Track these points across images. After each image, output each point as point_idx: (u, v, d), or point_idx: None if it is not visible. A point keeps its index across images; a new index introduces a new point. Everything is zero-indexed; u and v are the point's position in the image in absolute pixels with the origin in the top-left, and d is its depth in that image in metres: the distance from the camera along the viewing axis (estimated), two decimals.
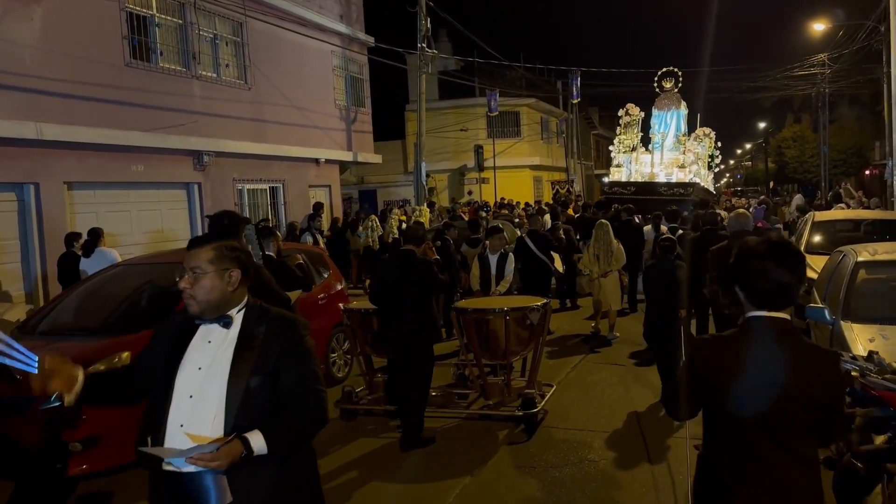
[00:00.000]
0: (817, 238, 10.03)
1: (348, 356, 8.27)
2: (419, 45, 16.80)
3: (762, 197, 26.15)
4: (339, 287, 8.53)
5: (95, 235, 9.01)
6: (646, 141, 21.34)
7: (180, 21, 12.87)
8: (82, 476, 5.15)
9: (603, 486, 5.09)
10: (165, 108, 12.26)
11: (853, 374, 3.95)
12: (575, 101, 30.51)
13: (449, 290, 8.58)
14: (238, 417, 2.33)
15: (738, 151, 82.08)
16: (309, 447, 2.59)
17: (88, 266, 8.57)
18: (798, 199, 24.04)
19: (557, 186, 35.75)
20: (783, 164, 43.10)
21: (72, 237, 9.29)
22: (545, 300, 6.80)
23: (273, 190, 15.28)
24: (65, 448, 4.97)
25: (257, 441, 2.29)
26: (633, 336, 9.63)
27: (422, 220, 14.76)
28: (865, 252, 6.23)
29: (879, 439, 4.16)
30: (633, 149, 21.03)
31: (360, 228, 15.62)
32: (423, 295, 5.83)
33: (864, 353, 5.20)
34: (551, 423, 6.35)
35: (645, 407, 6.74)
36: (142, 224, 11.99)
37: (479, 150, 30.47)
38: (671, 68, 21.84)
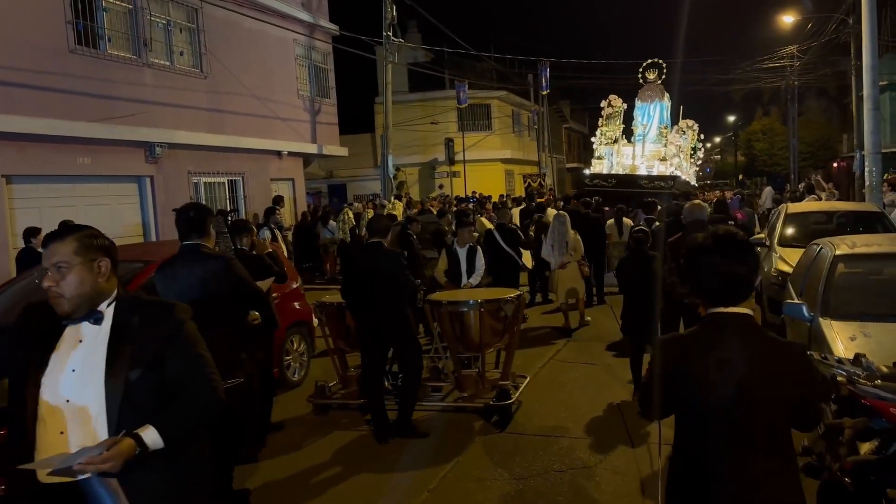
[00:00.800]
0: (790, 230, 9.78)
1: (304, 358, 7.81)
2: (385, 33, 16.28)
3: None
4: (295, 286, 8.03)
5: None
6: (628, 133, 21.07)
7: (130, 6, 12.22)
8: None
9: (579, 476, 5.08)
10: (114, 97, 11.63)
11: (839, 379, 3.61)
12: (544, 93, 30.17)
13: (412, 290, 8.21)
14: (122, 416, 2.20)
15: (709, 145, 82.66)
16: (202, 439, 2.46)
17: None
18: (768, 191, 24.05)
19: (529, 180, 35.49)
20: (753, 157, 43.39)
21: (30, 232, 8.94)
22: (519, 292, 6.80)
23: (232, 183, 14.69)
24: None
25: (150, 436, 2.15)
26: (604, 330, 9.53)
27: (394, 214, 14.45)
28: (844, 245, 5.92)
29: (865, 447, 3.83)
30: (615, 141, 20.74)
31: (332, 222, 15.21)
32: (395, 287, 5.72)
33: (845, 350, 4.94)
34: (527, 410, 6.25)
35: (618, 400, 6.52)
36: (90, 220, 11.24)
37: (449, 143, 30.05)
38: (656, 60, 21.59)
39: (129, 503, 2.21)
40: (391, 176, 16.78)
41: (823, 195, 14.22)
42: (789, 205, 10.89)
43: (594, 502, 4.71)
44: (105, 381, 2.23)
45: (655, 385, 2.39)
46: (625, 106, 20.56)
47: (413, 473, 5.23)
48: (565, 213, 10.03)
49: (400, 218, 14.13)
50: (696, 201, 6.99)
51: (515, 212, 16.74)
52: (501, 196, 24.87)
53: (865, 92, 12.86)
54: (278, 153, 15.78)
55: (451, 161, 29.78)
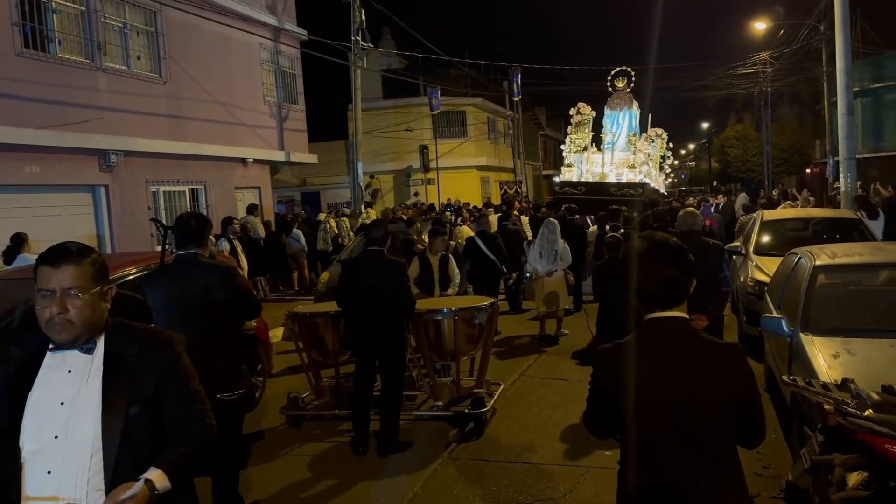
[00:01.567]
0: (766, 238, 9.52)
1: (257, 379, 7.34)
2: (353, 37, 15.87)
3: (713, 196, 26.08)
4: None
5: (18, 241, 8.36)
6: (597, 140, 21.03)
7: (83, 8, 11.68)
8: None
9: (551, 485, 5.05)
10: (65, 102, 11.09)
11: (826, 407, 3.26)
12: (516, 99, 29.95)
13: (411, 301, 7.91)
14: (120, 454, 2.06)
15: (682, 152, 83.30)
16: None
17: None
18: (742, 197, 23.98)
19: (506, 187, 35.26)
20: (727, 163, 43.54)
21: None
22: (492, 300, 6.78)
23: (194, 192, 14.16)
24: None
25: (161, 481, 2.04)
26: (577, 343, 9.18)
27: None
28: (824, 255, 5.61)
29: (853, 478, 3.49)
30: (585, 148, 20.68)
31: (296, 230, 14.79)
32: (394, 298, 5.59)
33: (828, 369, 4.61)
34: (492, 433, 6.06)
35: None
36: (39, 231, 10.69)
37: (424, 150, 29.67)
38: (624, 67, 21.59)
39: None
40: (361, 183, 16.31)
41: (799, 203, 14.07)
42: (765, 212, 10.64)
43: None
44: (102, 417, 2.06)
45: (593, 395, 2.36)
46: (594, 114, 20.46)
47: (389, 485, 5.15)
48: (555, 221, 9.83)
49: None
50: (690, 209, 6.58)
51: (493, 219, 16.56)
52: (486, 204, 24.55)
53: (839, 97, 12.70)
54: (243, 160, 15.27)
55: (425, 168, 29.39)
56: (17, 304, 5.43)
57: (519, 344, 9.58)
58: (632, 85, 21.50)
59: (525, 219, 14.74)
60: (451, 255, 8.58)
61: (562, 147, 22.16)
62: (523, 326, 10.57)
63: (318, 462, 5.66)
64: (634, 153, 19.88)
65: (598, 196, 17.25)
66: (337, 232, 15.07)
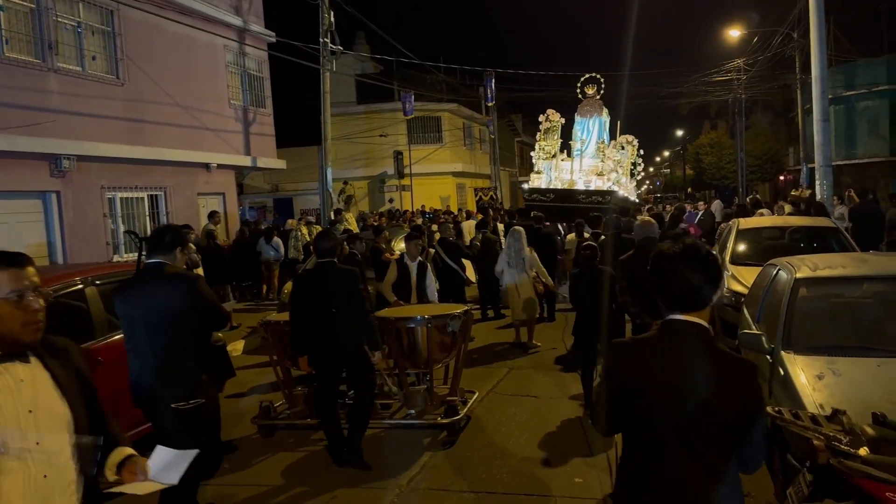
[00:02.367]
0: (743, 247, 9.25)
1: None
2: (321, 39, 15.41)
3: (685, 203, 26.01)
4: None
5: None
6: (567, 147, 20.85)
7: (33, 5, 11.11)
8: None
9: (532, 486, 5.08)
10: (12, 104, 10.50)
11: (816, 443, 2.90)
12: (490, 104, 29.68)
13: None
14: (104, 442, 2.29)
15: (658, 159, 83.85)
16: None
17: None
18: (717, 204, 23.89)
19: (481, 193, 34.94)
20: (701, 170, 43.64)
21: None
22: (466, 307, 6.80)
23: (153, 198, 13.58)
24: None
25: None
26: (549, 356, 8.98)
27: (350, 228, 13.62)
28: (805, 267, 5.29)
29: None
30: (554, 155, 20.48)
31: (276, 239, 14.29)
32: (352, 306, 5.48)
33: (813, 391, 4.27)
34: (457, 457, 5.79)
35: (559, 443, 5.68)
36: None
37: (398, 155, 29.24)
38: (594, 74, 21.46)
39: None
40: (330, 190, 15.83)
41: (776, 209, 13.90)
42: (741, 220, 10.37)
43: None
44: (71, 415, 2.19)
45: (604, 395, 2.37)
46: (563, 120, 20.28)
47: (364, 493, 5.11)
48: (521, 229, 9.80)
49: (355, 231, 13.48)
50: (647, 218, 6.58)
51: (470, 224, 16.29)
52: (466, 211, 24.23)
53: (815, 103, 12.53)
54: (206, 166, 14.73)
55: (400, 174, 28.95)
56: None
57: (494, 353, 9.44)
58: (601, 92, 21.43)
59: (500, 226, 14.46)
60: (429, 264, 8.54)
61: (531, 154, 21.94)
62: (498, 334, 10.44)
63: (291, 471, 5.61)
64: (603, 160, 19.73)
65: (566, 203, 17.22)
66: (308, 240, 14.57)
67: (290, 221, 17.09)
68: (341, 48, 15.93)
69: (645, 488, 2.25)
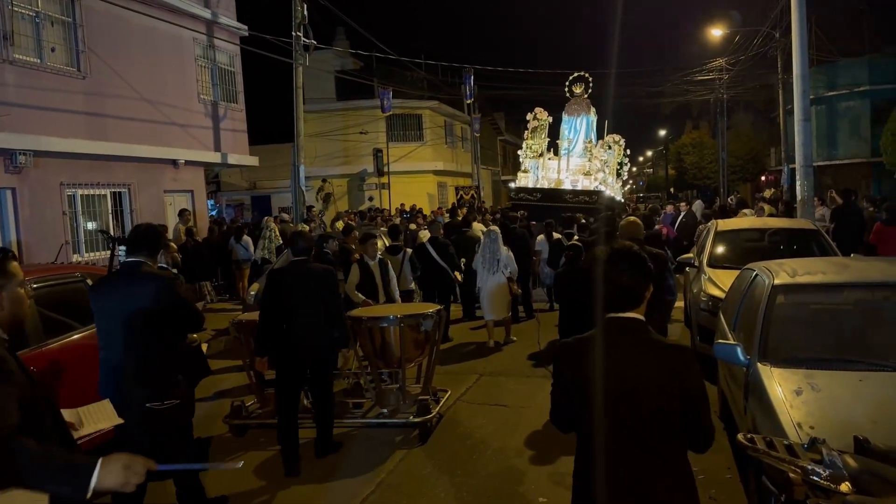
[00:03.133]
0: (721, 249, 8.97)
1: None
2: (294, 33, 14.98)
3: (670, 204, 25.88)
4: None
5: None
6: (554, 146, 20.67)
7: None
8: None
9: (506, 482, 5.13)
10: None
11: (792, 476, 2.58)
12: (469, 101, 29.38)
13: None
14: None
15: (641, 159, 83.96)
16: None
17: None
18: (698, 204, 23.78)
19: (462, 192, 34.63)
20: (683, 170, 43.63)
21: None
22: (439, 307, 6.74)
23: (117, 195, 13.10)
24: None
25: None
26: (519, 362, 8.78)
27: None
28: (783, 272, 4.99)
29: None
30: (541, 154, 20.30)
31: (246, 237, 13.84)
32: (326, 305, 5.47)
33: (791, 408, 3.97)
34: (430, 455, 5.77)
35: (525, 455, 5.35)
36: None
37: (378, 153, 28.82)
38: (582, 73, 21.31)
39: None
40: (303, 187, 15.41)
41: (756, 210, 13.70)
42: (719, 221, 10.11)
43: None
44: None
45: (554, 387, 2.53)
46: (550, 119, 20.08)
47: (336, 492, 5.10)
48: (497, 229, 9.88)
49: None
50: (631, 218, 6.38)
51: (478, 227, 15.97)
52: (453, 207, 23.89)
53: (796, 103, 12.30)
54: (174, 162, 14.26)
55: (380, 172, 28.53)
56: None
57: (465, 354, 9.34)
58: (589, 91, 21.31)
59: (477, 226, 14.15)
60: (387, 261, 8.57)
61: (518, 152, 21.73)
62: (474, 335, 10.41)
63: (264, 469, 5.55)
64: (590, 160, 19.58)
65: (553, 203, 17.18)
66: (282, 241, 14.11)
67: (266, 219, 16.67)
68: (314, 42, 15.50)
69: (598, 480, 2.32)
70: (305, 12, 14.91)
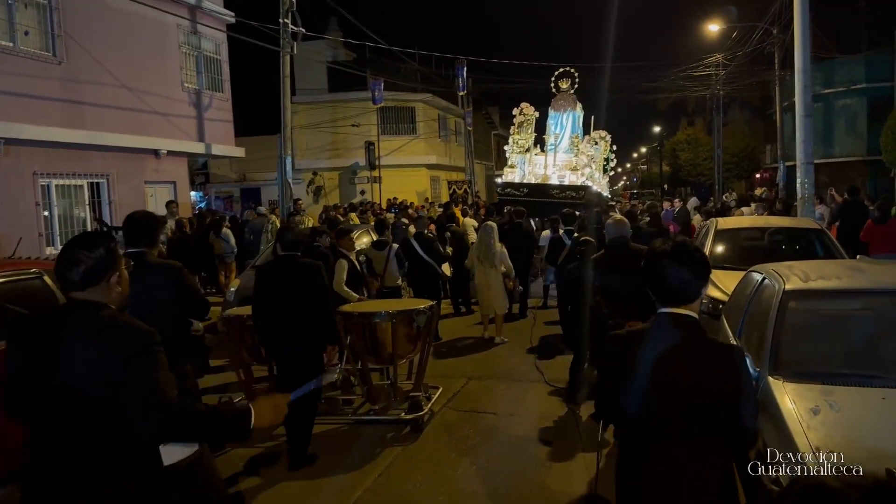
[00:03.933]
0: (721, 248, 8.59)
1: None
2: (281, 20, 14.50)
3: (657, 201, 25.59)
4: None
5: None
6: (540, 142, 20.38)
7: None
8: None
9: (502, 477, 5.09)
10: None
11: None
12: (461, 94, 28.94)
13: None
14: None
15: (635, 155, 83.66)
16: None
17: None
18: (693, 201, 23.50)
19: (455, 186, 34.22)
20: (677, 167, 43.30)
21: None
22: (431, 303, 6.68)
23: (95, 186, 12.62)
24: None
25: None
26: (511, 363, 8.41)
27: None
28: (795, 277, 4.61)
29: None
30: (528, 149, 20.00)
31: (225, 229, 13.41)
32: (311, 300, 5.33)
33: (807, 429, 3.59)
34: (411, 469, 5.46)
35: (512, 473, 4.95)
36: None
37: (370, 146, 28.33)
38: (567, 68, 21.04)
39: None
40: (289, 179, 14.95)
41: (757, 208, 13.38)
42: (719, 220, 9.75)
43: None
44: None
45: (601, 379, 2.64)
46: (537, 114, 19.79)
47: (327, 490, 4.99)
48: (493, 224, 9.80)
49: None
50: (618, 217, 6.19)
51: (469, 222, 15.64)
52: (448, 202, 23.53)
53: (798, 98, 11.92)
54: (155, 152, 13.78)
55: (371, 166, 28.06)
56: None
57: (455, 354, 9.07)
58: (575, 86, 21.03)
59: (469, 221, 13.81)
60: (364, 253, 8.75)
61: (504, 147, 21.45)
62: (468, 331, 10.32)
63: (252, 466, 5.46)
64: (577, 155, 19.29)
65: (539, 198, 17.00)
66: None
67: (249, 213, 16.24)
68: (303, 30, 15.01)
69: (642, 475, 2.36)
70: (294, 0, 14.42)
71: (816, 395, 3.75)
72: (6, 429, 3.15)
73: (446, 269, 11.50)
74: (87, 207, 12.37)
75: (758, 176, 38.80)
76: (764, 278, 5.06)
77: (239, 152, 16.93)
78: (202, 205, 26.50)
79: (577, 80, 21.02)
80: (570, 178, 18.22)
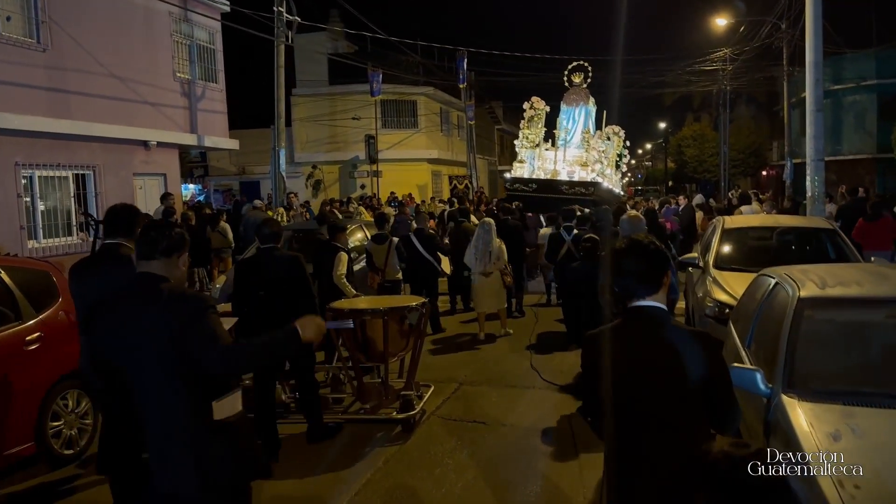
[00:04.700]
0: (728, 249, 8.17)
1: (85, 422, 5.68)
2: (275, 8, 14.08)
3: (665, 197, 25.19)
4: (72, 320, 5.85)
5: None
6: (551, 136, 19.96)
7: None
8: None
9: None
10: None
11: None
12: (462, 86, 28.48)
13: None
14: None
15: (640, 151, 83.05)
16: None
17: None
18: (699, 198, 23.11)
19: (455, 181, 33.79)
20: (683, 163, 42.80)
21: None
22: (423, 300, 6.58)
23: (81, 178, 12.23)
24: None
25: None
26: (506, 367, 8.02)
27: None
28: (810, 283, 4.20)
29: None
30: (538, 144, 19.60)
31: (223, 224, 13.04)
32: (294, 292, 5.39)
33: (824, 454, 3.19)
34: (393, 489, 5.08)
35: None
36: None
37: (370, 140, 27.91)
38: (581, 62, 20.57)
39: None
40: (283, 172, 14.55)
41: (764, 206, 12.99)
42: (726, 218, 9.32)
43: None
44: None
45: (584, 377, 2.67)
46: (547, 109, 19.35)
47: (317, 489, 4.92)
48: (491, 221, 9.77)
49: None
50: (634, 213, 6.19)
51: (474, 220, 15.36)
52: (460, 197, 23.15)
53: (808, 92, 11.47)
54: (144, 143, 13.39)
55: (372, 159, 27.64)
56: None
57: (447, 355, 8.75)
58: (588, 80, 20.58)
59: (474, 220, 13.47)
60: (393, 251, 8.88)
61: (514, 142, 21.02)
62: (462, 327, 10.22)
63: None
64: (588, 151, 18.87)
65: (549, 194, 16.72)
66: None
67: (246, 207, 15.85)
68: (298, 19, 14.61)
69: (629, 467, 2.41)
70: None
71: (837, 417, 3.35)
72: None
73: (446, 265, 11.25)
74: (73, 200, 11.98)
75: (764, 173, 38.29)
76: (776, 283, 4.64)
77: (233, 144, 16.54)
78: (200, 198, 26.12)
79: (590, 74, 20.59)
80: (580, 174, 17.86)
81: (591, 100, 20.67)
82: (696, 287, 7.99)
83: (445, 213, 15.10)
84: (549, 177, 18.34)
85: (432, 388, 6.81)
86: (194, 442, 2.66)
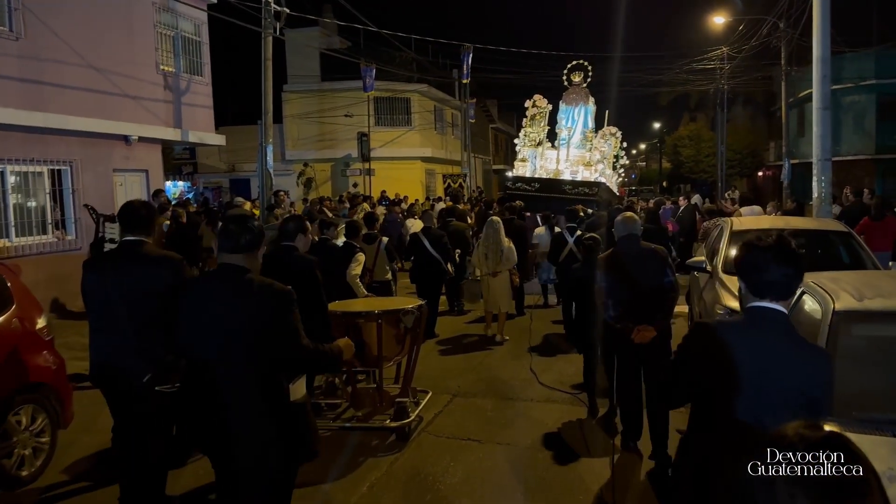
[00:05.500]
0: (737, 252, 7.72)
1: (41, 440, 5.17)
2: None
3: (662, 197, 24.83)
4: (36, 326, 5.34)
5: None
6: (552, 135, 19.56)
7: None
8: None
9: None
10: None
11: None
12: (465, 81, 27.97)
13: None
14: None
15: (634, 151, 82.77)
16: None
17: None
18: (697, 198, 22.76)
19: (450, 180, 33.34)
20: (679, 163, 42.45)
21: None
22: (420, 302, 6.32)
23: (57, 174, 11.68)
24: None
25: None
26: (506, 373, 7.73)
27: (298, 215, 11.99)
28: (845, 294, 3.73)
29: None
30: (539, 143, 19.18)
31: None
32: (308, 302, 4.91)
33: None
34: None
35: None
36: None
37: (362, 137, 27.40)
38: (580, 61, 20.18)
39: None
40: (270, 170, 14.04)
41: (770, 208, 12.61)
42: (734, 220, 8.88)
43: None
44: None
45: (679, 364, 2.63)
46: (550, 107, 18.93)
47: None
48: (499, 220, 9.61)
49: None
50: (628, 213, 5.70)
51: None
52: (449, 196, 22.70)
53: (815, 89, 11.11)
54: (125, 138, 12.83)
55: (364, 157, 27.14)
56: None
57: (442, 362, 8.44)
58: (588, 79, 20.19)
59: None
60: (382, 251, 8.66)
61: (515, 141, 20.60)
62: (466, 328, 10.12)
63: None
64: (590, 150, 18.49)
65: (552, 193, 16.34)
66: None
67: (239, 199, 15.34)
68: (287, 10, 14.09)
69: (714, 467, 2.33)
70: None
71: (887, 452, 2.89)
72: None
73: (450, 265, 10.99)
74: (48, 196, 11.42)
75: (760, 174, 37.97)
76: (803, 292, 4.18)
77: (219, 140, 16.00)
78: (189, 195, 25.55)
79: (590, 73, 20.20)
80: (584, 174, 17.46)
81: (591, 99, 20.31)
82: (704, 292, 7.55)
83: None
84: (551, 176, 17.96)
85: (430, 395, 6.60)
86: (275, 418, 2.90)
